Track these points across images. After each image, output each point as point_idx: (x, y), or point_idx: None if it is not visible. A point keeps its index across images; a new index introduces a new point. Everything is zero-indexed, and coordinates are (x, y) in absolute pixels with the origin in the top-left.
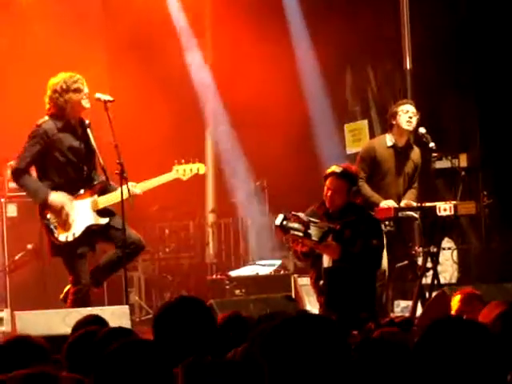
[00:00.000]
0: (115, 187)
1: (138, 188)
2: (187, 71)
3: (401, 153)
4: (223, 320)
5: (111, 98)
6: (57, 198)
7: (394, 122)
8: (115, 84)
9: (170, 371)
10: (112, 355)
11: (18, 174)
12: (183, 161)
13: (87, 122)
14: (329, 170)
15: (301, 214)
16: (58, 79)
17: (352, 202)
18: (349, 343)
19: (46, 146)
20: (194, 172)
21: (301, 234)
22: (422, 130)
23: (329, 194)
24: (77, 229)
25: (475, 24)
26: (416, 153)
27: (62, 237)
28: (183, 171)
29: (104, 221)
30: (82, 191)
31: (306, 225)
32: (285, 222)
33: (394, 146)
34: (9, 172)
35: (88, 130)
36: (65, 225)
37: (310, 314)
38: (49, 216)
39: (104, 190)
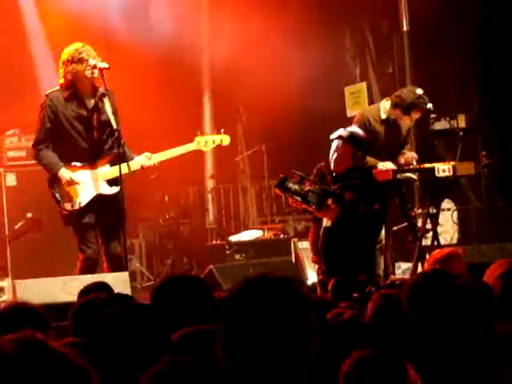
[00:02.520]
0: (132, 157)
1: (152, 160)
2: (183, 37)
3: (393, 125)
4: None
5: (107, 65)
6: (66, 173)
7: (398, 111)
8: (111, 52)
9: (166, 336)
10: (108, 319)
11: (35, 149)
12: (206, 132)
13: (102, 91)
14: (336, 134)
15: (300, 173)
16: (67, 50)
17: (357, 165)
18: (309, 306)
19: (54, 114)
20: (216, 143)
21: (299, 199)
22: (420, 91)
23: (334, 157)
24: (83, 198)
25: None
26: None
27: (68, 205)
28: (205, 142)
29: (113, 190)
30: (92, 161)
31: (305, 192)
32: (286, 183)
33: (387, 120)
34: (7, 141)
35: (105, 100)
36: (71, 194)
37: (270, 276)
38: (55, 185)
39: (120, 159)
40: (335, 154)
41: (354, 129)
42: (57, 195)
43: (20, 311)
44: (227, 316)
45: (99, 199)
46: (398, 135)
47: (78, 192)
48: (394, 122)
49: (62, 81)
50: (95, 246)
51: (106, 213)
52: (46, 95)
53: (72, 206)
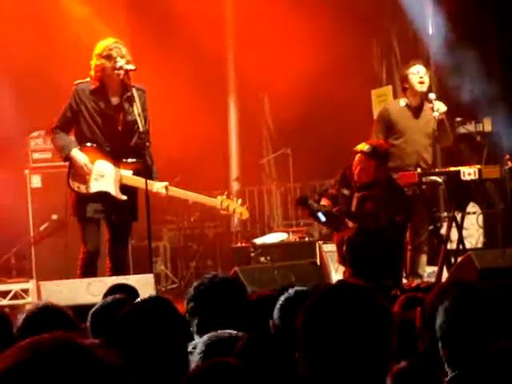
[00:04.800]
0: (155, 177)
1: (169, 191)
2: (210, 37)
3: (415, 111)
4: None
5: (133, 67)
6: (80, 155)
7: (407, 86)
8: (136, 51)
9: (184, 343)
10: (124, 318)
11: (51, 131)
12: (231, 196)
13: (130, 91)
14: (359, 147)
15: (318, 191)
16: (100, 43)
17: (380, 178)
18: (389, 311)
19: (76, 104)
20: (236, 213)
21: (318, 220)
22: (432, 95)
23: (357, 170)
24: (94, 186)
25: None
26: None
27: (76, 185)
28: (226, 206)
29: (123, 197)
30: (115, 159)
31: (323, 213)
32: (306, 201)
33: (407, 106)
34: (32, 143)
35: (133, 101)
36: (83, 178)
37: (351, 284)
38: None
39: (142, 172)
40: (358, 168)
41: (377, 143)
42: (71, 170)
43: (48, 312)
44: (308, 322)
45: (109, 197)
46: (421, 121)
47: (91, 178)
48: (415, 108)
49: (92, 73)
50: (96, 241)
51: (115, 211)
52: (74, 85)
53: (78, 187)
